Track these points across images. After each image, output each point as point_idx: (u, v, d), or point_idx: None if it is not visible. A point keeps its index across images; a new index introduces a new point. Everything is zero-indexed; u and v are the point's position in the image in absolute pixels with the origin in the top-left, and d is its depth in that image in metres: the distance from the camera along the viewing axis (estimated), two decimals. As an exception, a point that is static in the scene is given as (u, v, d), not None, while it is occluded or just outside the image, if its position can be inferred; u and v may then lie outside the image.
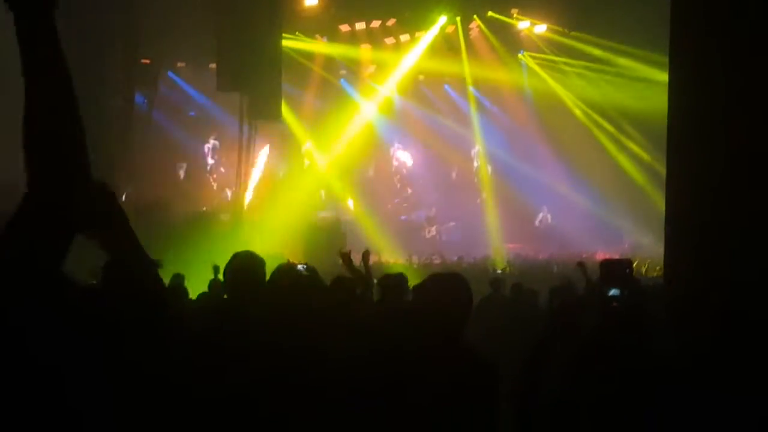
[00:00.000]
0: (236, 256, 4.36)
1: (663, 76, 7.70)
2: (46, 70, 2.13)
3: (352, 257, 7.41)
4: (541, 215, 27.42)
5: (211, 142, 27.75)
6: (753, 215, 6.27)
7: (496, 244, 24.72)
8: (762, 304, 5.61)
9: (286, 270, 3.92)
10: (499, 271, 17.25)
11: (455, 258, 21.85)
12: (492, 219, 27.68)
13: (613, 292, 4.39)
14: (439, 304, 3.65)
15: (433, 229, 27.10)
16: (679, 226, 6.97)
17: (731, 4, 6.55)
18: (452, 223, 27.73)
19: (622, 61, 24.05)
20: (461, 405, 3.47)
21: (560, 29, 24.75)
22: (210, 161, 28.10)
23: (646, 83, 21.39)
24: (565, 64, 27.04)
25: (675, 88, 7.08)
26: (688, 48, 6.93)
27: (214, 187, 27.72)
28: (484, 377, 3.61)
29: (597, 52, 24.22)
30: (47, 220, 2.10)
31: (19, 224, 2.08)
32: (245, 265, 4.30)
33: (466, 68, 28.11)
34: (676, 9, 7.00)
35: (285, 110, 21.62)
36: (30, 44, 2.12)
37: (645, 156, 25.30)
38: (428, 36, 26.54)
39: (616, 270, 4.68)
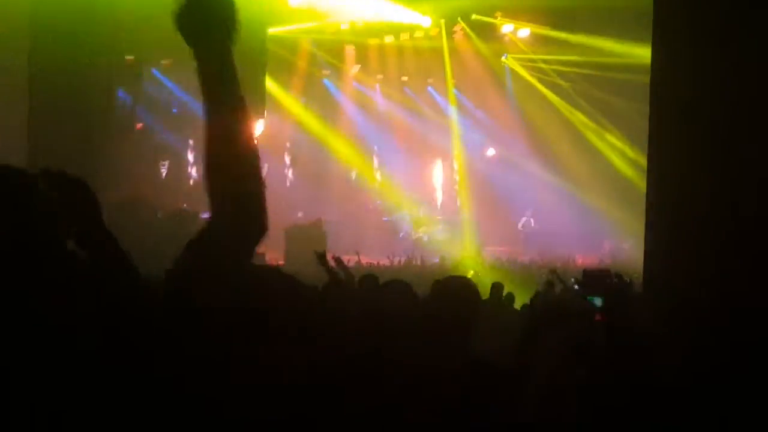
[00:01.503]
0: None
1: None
2: (227, 101, 2.22)
3: (329, 258, 7.45)
4: (524, 219, 27.49)
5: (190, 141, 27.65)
6: (735, 214, 6.32)
7: (474, 247, 24.77)
8: (746, 306, 5.66)
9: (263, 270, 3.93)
10: (470, 274, 17.24)
11: (436, 259, 21.91)
12: (474, 222, 27.77)
13: (596, 301, 4.42)
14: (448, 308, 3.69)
15: (420, 230, 27.11)
16: (658, 224, 7.03)
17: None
18: (439, 227, 27.74)
19: (608, 57, 24.06)
20: (471, 414, 3.49)
21: (544, 29, 24.79)
22: (190, 158, 27.96)
23: (632, 78, 21.34)
24: (545, 62, 27.17)
25: (657, 79, 7.13)
26: (670, 36, 6.98)
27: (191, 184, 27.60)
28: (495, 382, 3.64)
29: (582, 47, 24.17)
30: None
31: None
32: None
33: (449, 70, 28.20)
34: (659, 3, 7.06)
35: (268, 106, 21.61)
36: (209, 78, 2.22)
37: (630, 153, 25.48)
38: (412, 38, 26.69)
39: (599, 279, 4.69)
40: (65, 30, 15.48)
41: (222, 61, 2.26)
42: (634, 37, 19.84)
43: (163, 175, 27.44)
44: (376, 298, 4.20)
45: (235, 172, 2.18)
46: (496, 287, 10.29)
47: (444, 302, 3.76)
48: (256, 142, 2.25)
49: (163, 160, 27.54)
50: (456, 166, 29.78)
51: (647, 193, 7.24)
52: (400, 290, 4.09)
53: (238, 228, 2.18)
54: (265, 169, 2.17)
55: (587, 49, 23.88)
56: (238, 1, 2.17)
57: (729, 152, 6.38)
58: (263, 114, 20.49)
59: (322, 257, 7.41)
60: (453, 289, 3.87)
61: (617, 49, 22.78)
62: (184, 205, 25.18)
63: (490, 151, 30.07)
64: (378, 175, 30.32)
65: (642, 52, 16.08)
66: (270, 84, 23.00)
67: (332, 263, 7.59)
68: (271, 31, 21.61)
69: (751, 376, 4.25)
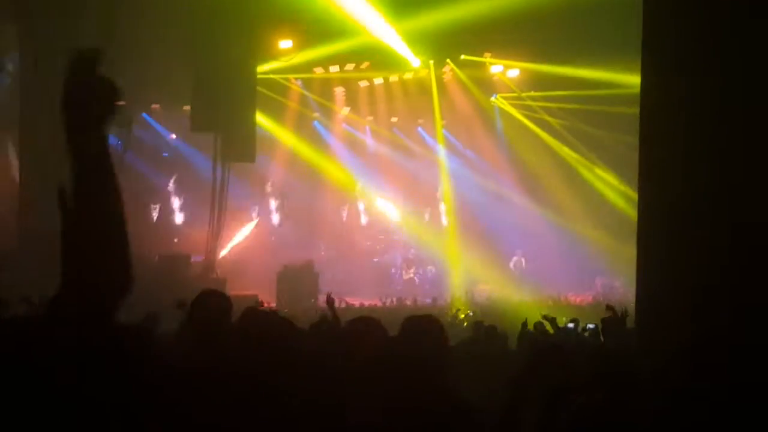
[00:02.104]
0: (203, 294, 4.39)
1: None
2: (98, 187, 2.21)
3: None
4: (515, 258, 27.50)
5: (171, 184, 27.66)
6: (728, 248, 6.33)
7: (465, 287, 24.74)
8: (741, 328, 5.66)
9: (255, 312, 3.95)
10: (462, 316, 17.23)
11: (428, 300, 21.89)
12: (465, 261, 27.78)
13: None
14: (415, 349, 3.68)
15: (411, 271, 27.07)
16: (649, 258, 7.03)
17: (701, 16, 6.65)
18: (431, 268, 27.72)
19: (597, 90, 24.18)
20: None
21: (533, 65, 24.96)
22: (177, 201, 27.93)
23: (621, 111, 21.41)
24: (534, 100, 27.41)
25: (646, 104, 7.17)
26: (658, 61, 7.04)
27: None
28: (463, 421, 3.62)
29: (571, 81, 24.28)
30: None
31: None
32: (211, 303, 4.32)
33: (438, 110, 28.35)
34: (647, 26, 7.11)
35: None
36: (82, 159, 2.20)
37: (621, 187, 25.63)
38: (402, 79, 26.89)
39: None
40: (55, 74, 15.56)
41: (95, 141, 2.25)
42: (623, 67, 19.98)
43: (154, 218, 27.44)
44: (342, 337, 4.19)
45: (94, 247, 2.19)
46: (479, 326, 10.26)
47: (410, 340, 3.76)
48: (122, 224, 2.26)
49: (154, 203, 27.55)
50: (445, 206, 29.83)
51: (638, 227, 7.26)
52: (365, 328, 4.10)
53: (95, 287, 2.19)
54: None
55: (576, 82, 24.03)
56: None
57: (722, 182, 6.41)
58: (254, 157, 20.51)
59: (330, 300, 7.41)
60: (418, 327, 3.87)
61: (606, 79, 22.93)
62: (175, 239, 25.29)
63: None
64: (366, 217, 30.32)
65: (631, 80, 16.20)
66: (260, 126, 23.06)
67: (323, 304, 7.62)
68: (261, 70, 21.69)
69: (744, 414, 4.24)
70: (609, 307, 8.52)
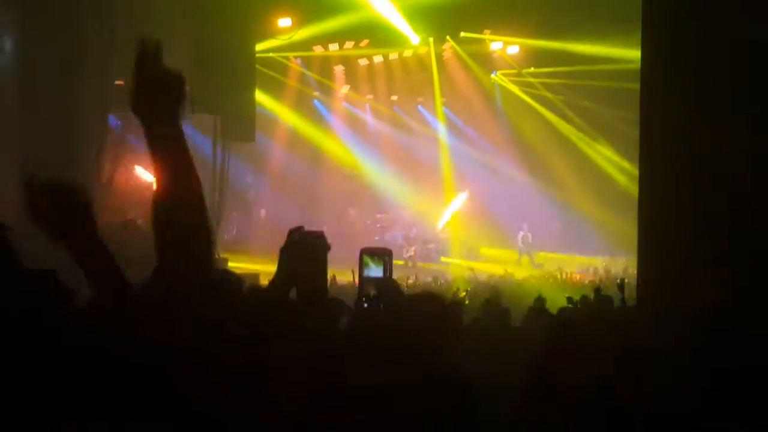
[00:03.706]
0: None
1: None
2: (179, 176, 2.33)
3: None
4: (521, 233, 27.46)
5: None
6: (728, 219, 6.32)
7: (467, 264, 24.74)
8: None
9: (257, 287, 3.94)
10: (463, 294, 17.22)
11: (429, 278, 21.89)
12: (466, 239, 27.85)
13: None
14: (413, 326, 3.68)
15: (412, 249, 27.08)
16: (650, 231, 7.03)
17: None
18: (431, 245, 27.75)
19: (596, 65, 24.09)
20: (437, 426, 3.48)
21: (533, 41, 24.87)
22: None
23: (621, 86, 21.34)
24: (534, 76, 27.36)
25: (646, 78, 7.15)
26: (658, 36, 7.01)
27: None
28: (459, 397, 3.62)
29: (571, 57, 24.19)
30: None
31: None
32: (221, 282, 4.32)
33: (438, 88, 28.29)
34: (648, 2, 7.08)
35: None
36: (162, 152, 2.32)
37: (626, 165, 25.59)
38: (401, 56, 26.81)
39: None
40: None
41: (174, 136, 2.37)
42: (623, 42, 19.91)
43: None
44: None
45: (179, 231, 2.31)
46: (489, 303, 10.25)
47: (413, 318, 3.76)
48: (202, 202, 2.38)
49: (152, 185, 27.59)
50: (445, 183, 29.81)
51: (639, 200, 7.25)
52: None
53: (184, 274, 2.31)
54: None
55: (576, 58, 23.93)
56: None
57: (723, 157, 6.39)
58: (253, 136, 20.47)
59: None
60: (421, 304, 3.87)
61: (606, 54, 22.84)
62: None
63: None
64: (366, 196, 30.31)
65: (631, 55, 16.16)
66: (260, 105, 22.99)
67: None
68: (260, 49, 21.60)
69: (748, 380, 4.25)
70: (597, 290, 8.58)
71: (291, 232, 3.27)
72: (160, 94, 2.35)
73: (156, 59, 2.41)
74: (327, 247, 3.17)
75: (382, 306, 3.26)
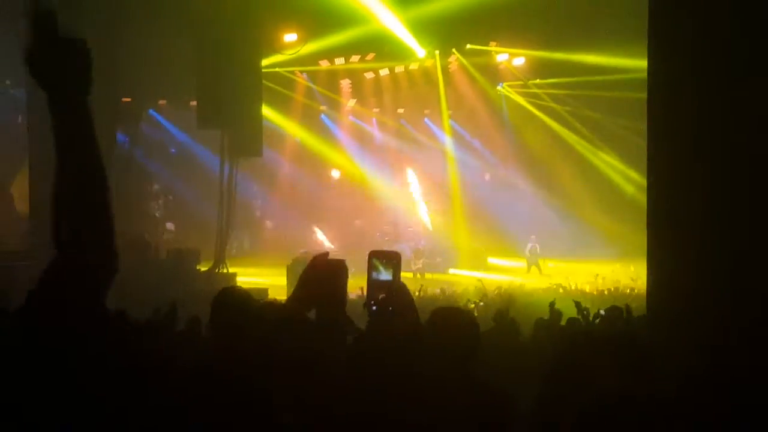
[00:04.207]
0: (224, 291, 4.40)
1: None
2: (78, 148, 2.23)
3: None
4: (530, 245, 27.42)
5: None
6: (738, 229, 6.28)
7: (475, 276, 24.69)
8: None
9: (271, 305, 3.94)
10: (472, 305, 17.16)
11: (437, 290, 21.85)
12: (474, 251, 27.84)
13: None
14: (446, 337, 3.70)
15: (420, 261, 27.04)
16: (659, 241, 6.99)
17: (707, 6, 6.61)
18: (439, 258, 27.73)
19: (603, 75, 24.08)
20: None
21: (539, 53, 24.87)
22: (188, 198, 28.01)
23: (628, 95, 21.32)
24: (540, 87, 27.41)
25: (653, 89, 7.12)
26: (665, 46, 6.99)
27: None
28: (496, 405, 3.64)
29: (577, 67, 24.18)
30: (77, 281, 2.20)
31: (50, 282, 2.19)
32: (233, 299, 4.33)
33: (445, 101, 28.34)
34: (654, 9, 7.06)
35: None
36: (63, 124, 2.21)
37: (633, 174, 25.59)
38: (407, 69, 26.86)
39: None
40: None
41: (75, 110, 2.25)
42: (629, 52, 19.89)
43: (158, 214, 27.56)
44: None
45: (80, 215, 2.24)
46: (501, 314, 10.21)
47: (441, 331, 3.77)
48: (107, 192, 2.30)
49: (159, 200, 27.68)
50: (453, 196, 29.83)
51: (648, 209, 7.21)
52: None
53: (84, 266, 2.22)
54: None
55: (582, 68, 23.93)
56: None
57: (733, 168, 6.37)
58: (261, 151, 20.49)
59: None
60: (450, 318, 3.89)
61: (612, 64, 22.84)
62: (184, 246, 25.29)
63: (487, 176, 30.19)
64: (374, 209, 30.34)
65: (638, 65, 16.15)
66: (267, 120, 23.04)
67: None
68: (266, 64, 21.66)
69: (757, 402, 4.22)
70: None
71: (315, 258, 3.32)
72: (62, 61, 2.23)
73: (53, 22, 2.24)
74: (347, 275, 3.24)
75: (391, 308, 3.26)
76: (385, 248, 3.34)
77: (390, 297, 3.24)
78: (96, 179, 2.26)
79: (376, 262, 3.32)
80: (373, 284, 3.29)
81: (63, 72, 2.21)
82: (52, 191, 2.22)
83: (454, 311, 4.13)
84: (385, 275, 3.29)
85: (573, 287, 21.60)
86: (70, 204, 2.23)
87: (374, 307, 3.26)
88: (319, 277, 3.30)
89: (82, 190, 2.23)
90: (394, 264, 3.30)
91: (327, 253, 3.42)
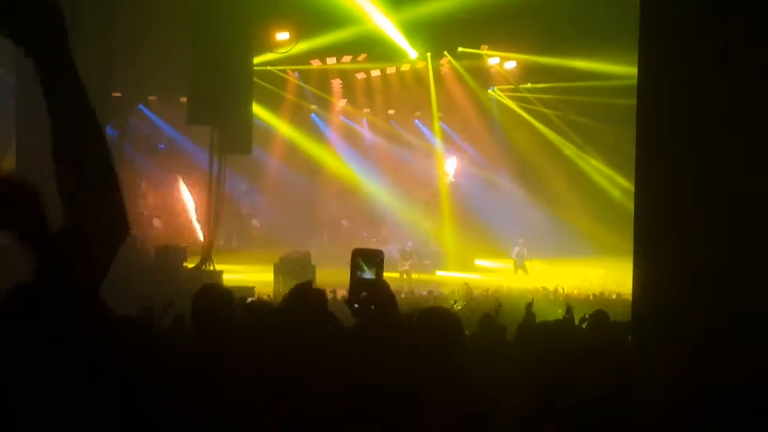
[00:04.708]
0: (204, 288, 4.42)
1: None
2: (70, 105, 2.18)
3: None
4: (516, 248, 27.47)
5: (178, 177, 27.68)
6: (724, 234, 6.32)
7: (462, 278, 24.72)
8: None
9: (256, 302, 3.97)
10: (459, 308, 17.17)
11: (425, 292, 21.87)
12: (461, 253, 27.88)
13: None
14: (430, 336, 3.72)
15: (407, 263, 27.05)
16: (645, 245, 7.03)
17: (699, 7, 6.64)
18: (427, 261, 27.75)
19: (593, 81, 24.16)
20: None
21: (530, 57, 24.91)
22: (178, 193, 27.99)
23: (618, 102, 21.38)
24: (531, 92, 27.46)
25: (643, 94, 7.16)
26: (655, 52, 7.03)
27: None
28: (478, 404, 3.66)
29: (568, 73, 24.25)
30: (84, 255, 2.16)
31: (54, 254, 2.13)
32: (212, 296, 4.35)
33: (435, 103, 28.38)
34: (645, 18, 7.10)
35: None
36: (49, 81, 2.16)
37: (621, 180, 25.68)
38: (399, 71, 26.88)
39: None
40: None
41: (59, 65, 2.18)
42: (620, 58, 19.97)
43: (145, 212, 27.49)
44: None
45: (83, 179, 2.20)
46: (488, 318, 10.20)
47: (426, 330, 3.79)
48: (107, 152, 2.25)
49: (147, 197, 27.62)
50: (442, 198, 29.88)
51: (635, 215, 7.26)
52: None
53: (94, 231, 2.19)
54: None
55: (573, 73, 24.00)
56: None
57: (719, 173, 6.40)
58: (250, 148, 20.48)
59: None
60: (435, 320, 3.91)
61: (603, 70, 22.91)
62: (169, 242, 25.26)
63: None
64: (363, 210, 30.38)
65: (628, 71, 16.22)
66: (257, 118, 23.03)
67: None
68: (258, 62, 21.64)
69: (741, 407, 4.25)
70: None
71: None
72: (39, 19, 2.15)
73: None
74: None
75: (373, 307, 3.26)
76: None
77: (372, 295, 3.24)
78: (93, 133, 2.23)
79: (360, 261, 3.33)
80: (357, 282, 3.29)
81: (34, 23, 2.14)
82: (52, 152, 2.19)
83: (439, 311, 4.15)
84: (368, 273, 3.29)
85: (560, 291, 21.65)
86: (71, 164, 2.20)
87: (356, 305, 3.26)
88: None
89: (82, 147, 2.20)
90: (378, 262, 3.30)
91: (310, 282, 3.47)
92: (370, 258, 3.31)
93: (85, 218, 2.17)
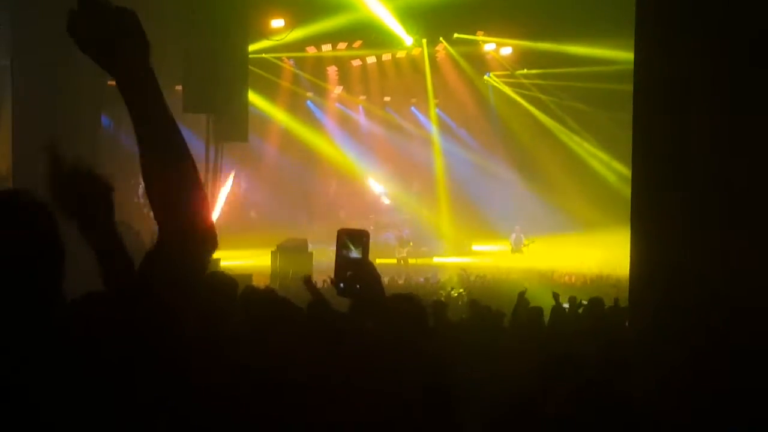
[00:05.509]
0: (208, 277, 4.42)
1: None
2: (156, 126, 2.19)
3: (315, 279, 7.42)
4: (514, 235, 27.51)
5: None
6: (721, 220, 6.32)
7: (459, 264, 24.77)
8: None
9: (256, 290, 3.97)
10: (455, 294, 17.20)
11: (421, 279, 21.91)
12: (458, 239, 27.92)
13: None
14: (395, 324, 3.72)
15: (404, 250, 27.10)
16: (642, 231, 7.03)
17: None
18: (424, 248, 27.79)
19: (589, 67, 24.12)
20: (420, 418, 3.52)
21: (525, 43, 24.88)
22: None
23: (614, 87, 21.37)
24: (527, 77, 27.45)
25: (640, 78, 7.15)
26: (652, 38, 7.02)
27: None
28: (442, 376, 3.68)
29: (564, 58, 24.21)
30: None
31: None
32: (217, 284, 4.35)
33: (431, 89, 28.36)
34: (641, 4, 7.09)
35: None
36: (134, 99, 2.17)
37: (618, 166, 25.69)
38: (394, 57, 26.83)
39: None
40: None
41: (140, 78, 2.20)
42: (616, 43, 19.95)
43: (142, 200, 27.43)
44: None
45: (171, 190, 2.17)
46: (474, 306, 10.22)
47: (395, 312, 3.80)
48: (191, 162, 2.22)
49: (142, 184, 27.58)
50: (438, 185, 29.89)
51: (632, 201, 7.25)
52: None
53: (185, 241, 2.15)
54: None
55: (569, 59, 23.96)
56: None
57: (716, 160, 6.40)
58: (246, 136, 20.43)
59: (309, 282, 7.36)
60: (398, 308, 3.91)
61: (598, 56, 22.89)
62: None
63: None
64: (359, 197, 30.39)
65: (624, 57, 16.24)
66: (253, 106, 22.98)
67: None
68: (253, 49, 21.57)
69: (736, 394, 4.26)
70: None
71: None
72: (123, 37, 2.15)
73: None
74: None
75: (358, 286, 3.26)
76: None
77: (358, 275, 3.24)
78: (179, 147, 2.21)
79: (346, 240, 3.32)
80: (342, 262, 3.28)
81: (129, 49, 2.15)
82: (143, 174, 2.16)
83: (404, 296, 4.16)
84: (354, 253, 3.29)
85: (556, 276, 21.71)
86: (160, 182, 2.17)
87: (342, 285, 3.26)
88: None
89: (169, 164, 2.17)
90: (364, 242, 3.29)
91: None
92: (356, 238, 3.30)
93: (179, 234, 2.15)
